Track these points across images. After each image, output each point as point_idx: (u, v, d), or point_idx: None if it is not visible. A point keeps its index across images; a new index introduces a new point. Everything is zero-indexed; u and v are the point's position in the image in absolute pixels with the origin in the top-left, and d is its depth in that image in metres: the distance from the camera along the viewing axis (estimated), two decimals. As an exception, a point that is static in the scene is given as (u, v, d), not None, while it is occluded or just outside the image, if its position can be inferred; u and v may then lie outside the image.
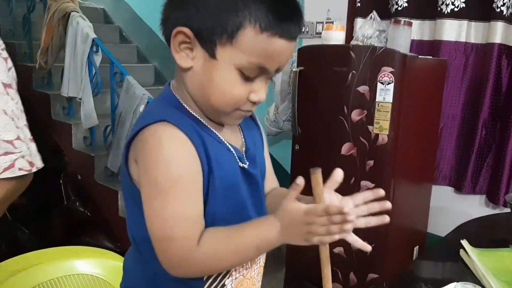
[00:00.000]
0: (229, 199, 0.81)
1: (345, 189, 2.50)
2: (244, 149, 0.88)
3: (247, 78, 0.75)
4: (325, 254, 0.80)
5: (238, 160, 0.83)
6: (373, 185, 2.17)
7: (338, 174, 0.80)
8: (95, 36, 2.90)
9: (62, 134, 3.31)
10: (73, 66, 3.02)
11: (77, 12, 3.12)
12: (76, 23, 3.02)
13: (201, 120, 0.80)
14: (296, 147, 2.49)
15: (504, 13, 2.32)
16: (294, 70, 2.41)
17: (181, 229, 0.74)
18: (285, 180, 2.64)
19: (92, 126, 3.00)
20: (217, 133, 0.82)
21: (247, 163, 0.85)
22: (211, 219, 0.78)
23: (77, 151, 3.20)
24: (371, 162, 2.17)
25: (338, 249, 2.28)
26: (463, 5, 2.45)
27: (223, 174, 0.79)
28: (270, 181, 0.98)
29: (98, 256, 1.10)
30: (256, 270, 0.91)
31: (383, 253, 2.22)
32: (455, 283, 0.90)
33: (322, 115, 2.33)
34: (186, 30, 0.74)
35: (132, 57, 4.32)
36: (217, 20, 0.72)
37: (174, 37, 0.75)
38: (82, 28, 2.97)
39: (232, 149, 0.83)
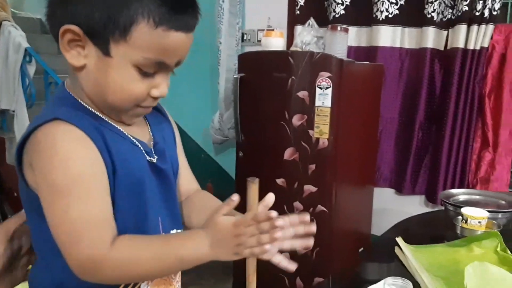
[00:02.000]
0: (136, 196, 0.77)
1: (289, 194, 2.50)
2: (152, 143, 0.84)
3: (145, 74, 0.73)
4: (252, 267, 0.78)
5: (145, 155, 0.80)
6: (316, 189, 2.19)
7: (270, 200, 0.76)
8: (28, 46, 2.78)
9: (-5, 149, 3.14)
10: (5, 77, 2.89)
11: (9, 21, 2.99)
12: (8, 32, 2.90)
13: (101, 115, 0.77)
14: (240, 154, 2.47)
15: (435, 19, 2.42)
16: (234, 76, 2.40)
17: (88, 232, 0.69)
18: (230, 187, 2.61)
19: (27, 139, 2.87)
20: (119, 128, 0.78)
21: (156, 157, 0.82)
22: (120, 218, 0.74)
23: (11, 166, 3.04)
24: (313, 166, 2.18)
25: (284, 255, 2.26)
26: (397, 11, 2.54)
27: (128, 170, 0.76)
28: (186, 181, 0.96)
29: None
30: None
31: (329, 257, 2.23)
32: (386, 279, 0.90)
33: (264, 121, 2.33)
34: (75, 28, 0.69)
35: (71, 68, 4.17)
36: (108, 15, 0.68)
37: (62, 36, 0.70)
38: (14, 38, 2.85)
39: (137, 143, 0.80)
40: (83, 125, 0.71)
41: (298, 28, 2.80)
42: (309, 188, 2.20)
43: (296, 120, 2.19)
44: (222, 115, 3.06)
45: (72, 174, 0.69)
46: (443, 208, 2.06)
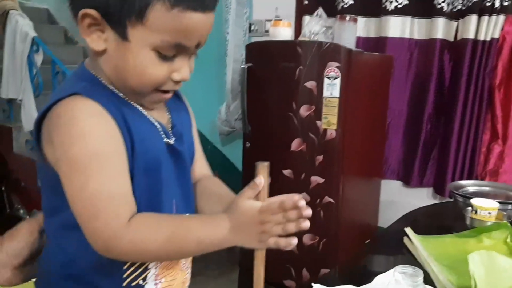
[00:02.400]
0: (152, 176, 0.77)
1: (296, 185, 2.48)
2: (170, 126, 0.84)
3: (164, 57, 0.71)
4: (260, 257, 0.75)
5: (163, 136, 0.79)
6: (323, 180, 2.18)
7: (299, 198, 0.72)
8: (35, 35, 2.78)
9: (2, 138, 3.16)
10: (13, 66, 2.90)
11: (17, 10, 2.99)
12: (15, 21, 2.90)
13: (120, 95, 0.76)
14: (247, 145, 2.46)
15: (445, 9, 2.39)
16: (242, 67, 2.39)
17: (106, 207, 0.69)
18: (237, 179, 2.61)
19: (34, 129, 2.88)
20: (139, 107, 0.77)
21: (173, 139, 0.81)
22: (136, 197, 0.74)
23: (18, 155, 3.06)
24: (320, 158, 2.17)
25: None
26: (406, 2, 2.51)
27: (146, 149, 0.75)
28: (199, 166, 0.95)
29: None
30: None
31: (335, 248, 2.23)
32: (395, 267, 0.89)
33: (271, 111, 2.32)
34: (92, 11, 0.68)
35: (78, 58, 4.16)
36: None
37: (81, 20, 0.70)
38: (21, 27, 2.85)
39: (156, 124, 0.79)
40: (102, 101, 0.71)
41: (306, 18, 2.78)
42: (316, 180, 2.19)
43: (304, 111, 2.17)
44: (229, 106, 3.05)
45: (90, 149, 0.68)
46: (451, 200, 2.05)
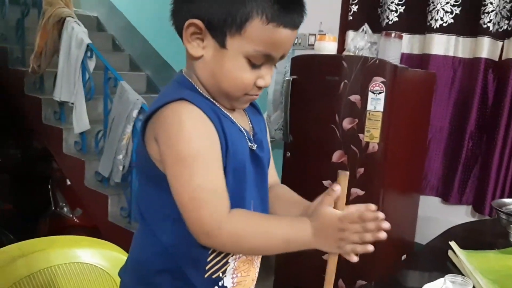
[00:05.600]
0: (238, 177, 0.84)
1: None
2: (252, 133, 0.92)
3: (253, 65, 0.80)
4: (333, 266, 0.81)
5: (248, 141, 0.87)
6: (363, 192, 2.21)
7: (373, 206, 0.79)
8: (90, 42, 2.92)
9: (53, 139, 3.31)
10: (67, 70, 3.04)
11: (73, 17, 3.15)
12: (71, 28, 3.05)
13: (214, 102, 0.85)
14: (288, 155, 2.52)
15: (491, 29, 2.40)
16: (287, 79, 2.46)
17: (210, 199, 0.76)
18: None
19: (84, 130, 3.01)
20: (229, 115, 0.86)
21: (255, 145, 0.89)
22: (229, 195, 0.80)
23: (67, 155, 3.20)
24: (361, 170, 2.21)
25: (327, 256, 2.29)
26: (451, 20, 2.53)
27: (235, 151, 0.82)
28: (271, 173, 1.01)
29: (98, 246, 1.12)
30: None
31: (372, 260, 2.23)
32: (445, 276, 0.93)
33: (313, 123, 2.37)
34: (198, 22, 0.78)
35: (124, 65, 4.34)
36: (227, 12, 0.77)
37: (186, 29, 0.79)
38: (77, 34, 2.99)
39: (243, 130, 0.87)
40: (204, 107, 0.79)
41: (351, 34, 2.83)
42: (356, 192, 2.23)
43: (347, 124, 2.22)
44: (269, 116, 3.12)
45: (195, 147, 0.77)
46: (490, 218, 2.05)
